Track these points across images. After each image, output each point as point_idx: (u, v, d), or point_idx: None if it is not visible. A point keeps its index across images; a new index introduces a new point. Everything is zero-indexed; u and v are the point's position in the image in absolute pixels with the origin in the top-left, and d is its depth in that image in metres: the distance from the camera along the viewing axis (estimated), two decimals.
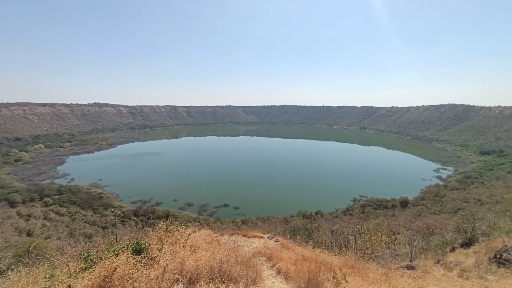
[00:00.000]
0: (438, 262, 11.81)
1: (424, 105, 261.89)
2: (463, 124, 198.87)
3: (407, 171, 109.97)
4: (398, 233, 23.01)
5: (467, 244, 13.64)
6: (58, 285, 4.77)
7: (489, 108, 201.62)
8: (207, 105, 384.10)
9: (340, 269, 6.49)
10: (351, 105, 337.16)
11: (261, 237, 12.56)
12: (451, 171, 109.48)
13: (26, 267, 6.32)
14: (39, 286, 4.91)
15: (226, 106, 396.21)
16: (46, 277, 5.18)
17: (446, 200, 67.78)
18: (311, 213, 59.99)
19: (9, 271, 6.82)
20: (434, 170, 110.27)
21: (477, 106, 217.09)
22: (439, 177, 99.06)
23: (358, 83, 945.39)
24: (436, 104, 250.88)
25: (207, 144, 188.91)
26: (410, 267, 10.88)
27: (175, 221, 7.94)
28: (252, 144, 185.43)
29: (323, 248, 13.07)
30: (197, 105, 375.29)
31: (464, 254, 12.15)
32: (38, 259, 10.42)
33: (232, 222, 51.91)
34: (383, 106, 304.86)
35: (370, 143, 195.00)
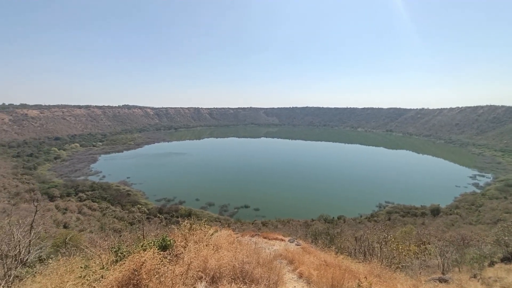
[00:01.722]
0: (474, 276, 10.93)
1: (458, 107, 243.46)
2: (504, 127, 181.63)
3: (439, 177, 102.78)
4: (429, 243, 21.63)
5: (508, 259, 12.49)
6: (92, 275, 5.13)
7: None
8: (229, 107, 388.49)
9: (366, 278, 6.22)
10: (377, 107, 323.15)
11: (282, 240, 12.46)
12: (489, 178, 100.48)
13: (64, 256, 6.86)
14: (76, 275, 5.29)
15: (247, 107, 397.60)
16: (81, 267, 5.59)
17: (484, 210, 62.47)
18: (333, 217, 58.37)
19: (49, 259, 7.45)
20: (470, 177, 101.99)
21: None
22: (476, 185, 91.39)
23: (383, 84, 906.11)
24: (472, 105, 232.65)
25: (228, 145, 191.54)
26: (442, 280, 10.17)
27: (199, 220, 8.15)
28: (273, 146, 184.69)
29: (346, 255, 12.64)
30: (219, 107, 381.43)
31: (505, 270, 11.11)
32: (74, 250, 11.25)
33: (252, 223, 52.12)
34: (411, 108, 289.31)
35: (397, 147, 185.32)
